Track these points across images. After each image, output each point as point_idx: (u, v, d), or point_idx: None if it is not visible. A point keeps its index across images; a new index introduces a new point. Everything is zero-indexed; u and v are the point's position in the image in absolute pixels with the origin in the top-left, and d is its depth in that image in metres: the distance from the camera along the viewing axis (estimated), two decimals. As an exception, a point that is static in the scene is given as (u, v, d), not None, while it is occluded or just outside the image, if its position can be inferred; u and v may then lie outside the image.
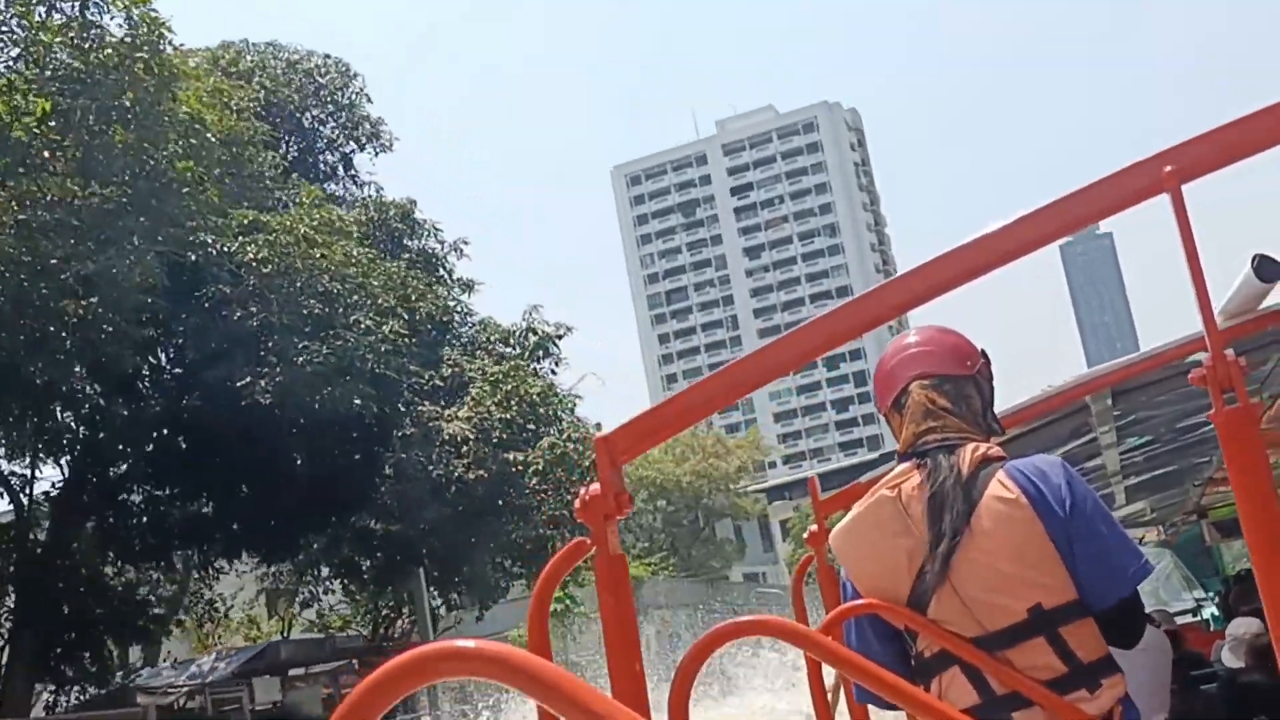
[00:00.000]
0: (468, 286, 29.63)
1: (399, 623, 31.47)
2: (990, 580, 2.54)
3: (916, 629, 2.63)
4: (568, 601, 35.49)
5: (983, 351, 2.88)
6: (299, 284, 22.13)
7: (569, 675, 1.15)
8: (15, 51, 19.39)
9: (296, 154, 29.32)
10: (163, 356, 25.13)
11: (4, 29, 19.24)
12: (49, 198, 18.19)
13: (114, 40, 19.11)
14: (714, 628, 2.27)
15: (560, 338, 28.70)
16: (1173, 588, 14.58)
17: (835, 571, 3.29)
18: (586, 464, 24.03)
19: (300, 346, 21.55)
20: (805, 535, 4.05)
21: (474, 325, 29.10)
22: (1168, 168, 1.85)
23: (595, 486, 2.13)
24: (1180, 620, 11.30)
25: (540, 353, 28.37)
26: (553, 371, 28.58)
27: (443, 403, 25.28)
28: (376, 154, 30.63)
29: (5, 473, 24.74)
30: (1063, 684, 2.52)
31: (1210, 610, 13.23)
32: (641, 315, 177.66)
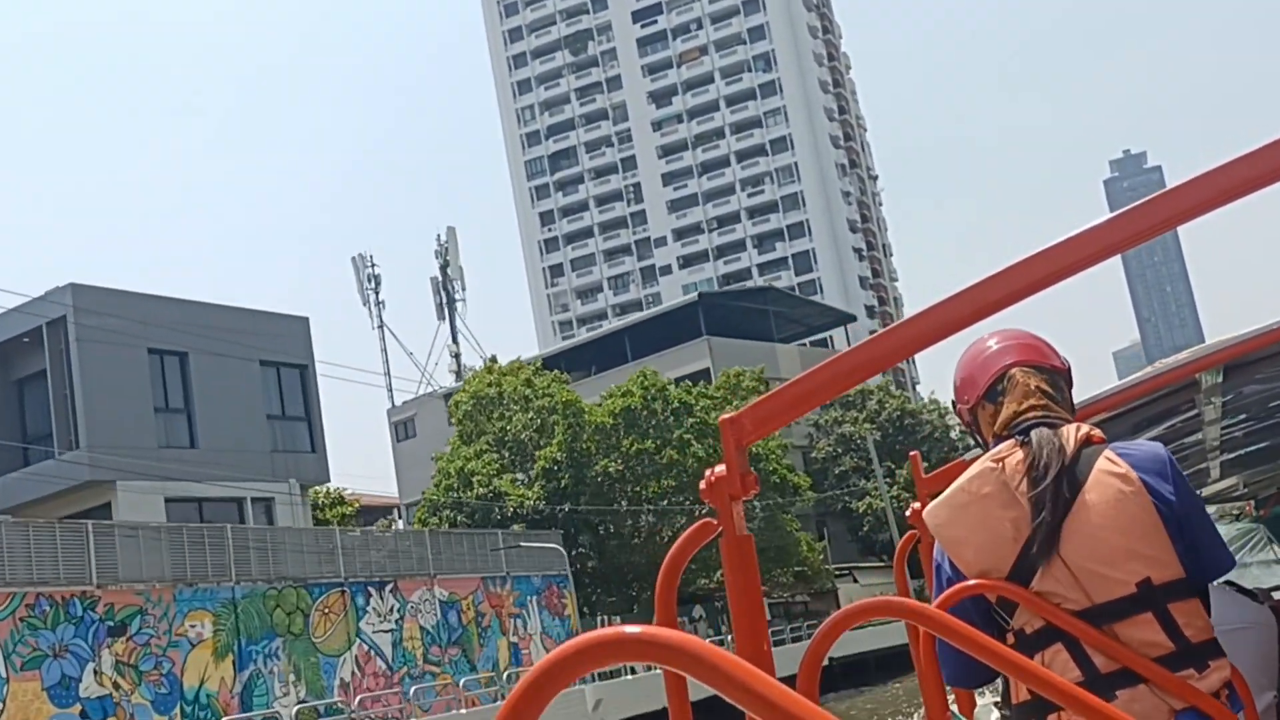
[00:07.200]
0: None
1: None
2: (1099, 551, 2.51)
3: (1025, 606, 2.59)
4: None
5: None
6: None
7: (743, 663, 1.14)
8: None
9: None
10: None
11: None
12: None
13: None
14: (842, 609, 2.25)
15: None
16: (1268, 563, 14.35)
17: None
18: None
19: None
20: (908, 513, 4.02)
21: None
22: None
23: (721, 468, 2.11)
24: (1278, 595, 11.08)
25: None
26: None
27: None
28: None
29: None
30: (1170, 662, 2.47)
31: (1304, 585, 12.98)
32: (520, 189, 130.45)
